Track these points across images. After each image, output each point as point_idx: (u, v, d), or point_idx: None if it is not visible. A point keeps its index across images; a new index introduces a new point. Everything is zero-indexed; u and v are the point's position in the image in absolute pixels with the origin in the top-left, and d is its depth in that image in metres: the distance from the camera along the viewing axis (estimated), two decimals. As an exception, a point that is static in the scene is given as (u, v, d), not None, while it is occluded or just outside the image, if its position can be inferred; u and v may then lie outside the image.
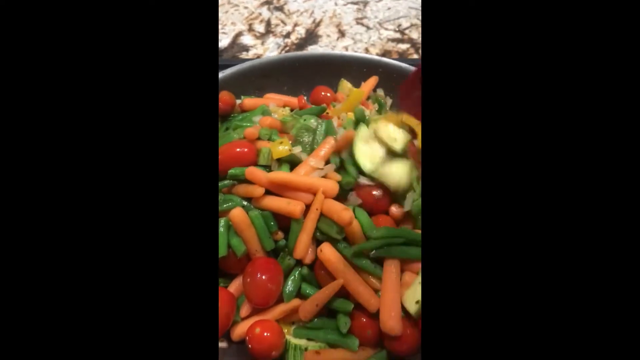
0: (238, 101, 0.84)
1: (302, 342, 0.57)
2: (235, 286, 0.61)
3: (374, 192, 0.62)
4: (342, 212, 0.56)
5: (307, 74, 0.92)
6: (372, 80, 0.89)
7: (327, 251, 0.56)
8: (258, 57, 1.24)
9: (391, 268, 0.57)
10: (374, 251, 0.57)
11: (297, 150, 0.65)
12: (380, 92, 0.90)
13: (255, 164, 0.64)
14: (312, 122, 0.70)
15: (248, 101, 0.84)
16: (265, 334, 0.55)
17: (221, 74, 0.86)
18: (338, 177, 0.62)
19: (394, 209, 0.62)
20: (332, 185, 0.60)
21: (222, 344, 0.58)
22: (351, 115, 0.74)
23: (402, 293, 0.56)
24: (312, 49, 1.27)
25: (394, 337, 0.54)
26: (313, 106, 0.83)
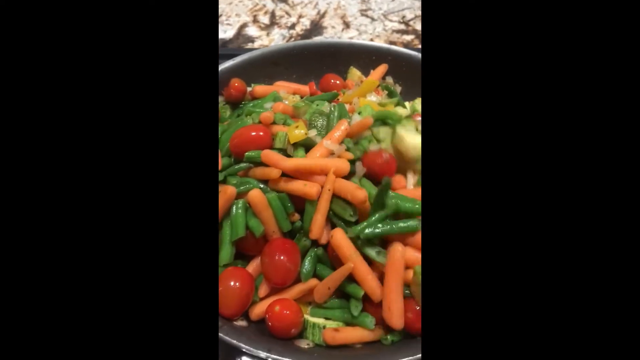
0: (249, 89, 0.85)
1: (320, 320, 0.58)
2: (253, 267, 0.62)
3: (382, 156, 0.63)
4: (356, 192, 0.57)
5: (316, 62, 0.93)
6: (382, 68, 0.90)
7: (338, 236, 0.57)
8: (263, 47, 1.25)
9: (394, 257, 0.56)
10: (377, 229, 0.57)
11: (313, 133, 0.66)
12: (390, 79, 0.91)
13: (271, 148, 0.65)
14: (326, 106, 0.71)
15: (259, 88, 0.84)
16: (285, 312, 0.56)
17: (231, 62, 0.86)
18: (350, 155, 0.63)
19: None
20: (342, 165, 0.61)
21: (241, 323, 0.59)
22: (364, 101, 0.75)
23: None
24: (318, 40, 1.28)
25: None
26: (324, 93, 0.84)
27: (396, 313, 0.55)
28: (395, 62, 0.90)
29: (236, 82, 0.81)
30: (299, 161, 0.61)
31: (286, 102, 0.78)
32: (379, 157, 0.63)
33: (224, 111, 0.82)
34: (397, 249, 0.56)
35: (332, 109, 0.69)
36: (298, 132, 0.65)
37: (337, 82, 0.89)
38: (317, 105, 0.73)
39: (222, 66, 0.85)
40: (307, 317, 0.59)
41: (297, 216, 0.62)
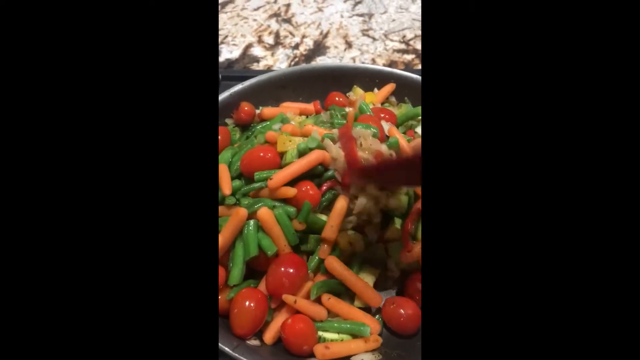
0: (257, 111, 0.88)
1: (334, 335, 0.60)
2: (264, 285, 0.65)
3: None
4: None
5: (321, 83, 0.97)
6: (389, 87, 0.94)
7: (331, 262, 0.64)
8: (268, 67, 1.29)
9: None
10: None
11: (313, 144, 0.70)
12: (392, 99, 0.95)
13: (279, 166, 0.69)
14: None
15: (267, 110, 0.88)
16: (298, 326, 0.58)
17: (241, 86, 0.90)
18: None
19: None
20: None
21: (255, 342, 0.61)
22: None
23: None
24: (321, 60, 1.32)
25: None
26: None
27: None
28: (397, 84, 0.94)
29: (246, 106, 0.85)
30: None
31: (293, 123, 0.81)
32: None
33: (234, 133, 0.85)
34: None
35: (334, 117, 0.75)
36: (305, 145, 0.68)
37: (341, 99, 0.93)
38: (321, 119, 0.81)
39: (232, 90, 0.89)
40: (321, 333, 0.61)
41: (301, 225, 0.65)
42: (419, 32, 1.41)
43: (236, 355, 0.54)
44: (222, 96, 0.87)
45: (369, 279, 0.66)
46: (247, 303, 0.59)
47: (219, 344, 0.55)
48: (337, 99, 0.93)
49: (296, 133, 0.76)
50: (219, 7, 1.56)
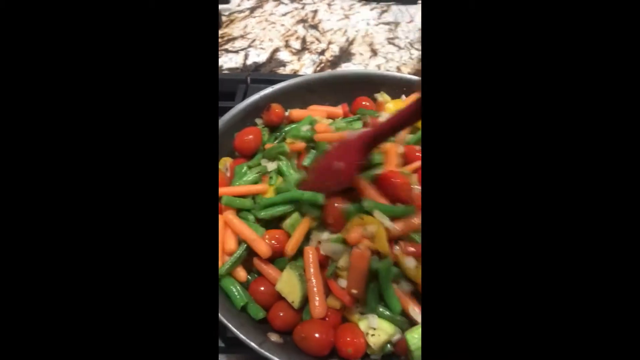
0: (286, 113, 0.90)
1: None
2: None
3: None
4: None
5: (348, 89, 0.98)
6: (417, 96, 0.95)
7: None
8: (294, 72, 1.31)
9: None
10: None
11: None
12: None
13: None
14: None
15: (295, 112, 0.90)
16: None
17: (271, 89, 0.92)
18: None
19: None
20: None
21: (277, 339, 0.62)
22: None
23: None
24: (346, 66, 1.34)
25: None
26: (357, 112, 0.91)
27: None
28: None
29: (276, 108, 0.87)
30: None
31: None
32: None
33: (264, 133, 0.87)
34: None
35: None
36: None
37: (368, 104, 0.94)
38: (352, 124, 0.82)
39: (262, 93, 0.91)
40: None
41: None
42: (445, 42, 1.41)
43: (262, 351, 0.55)
44: (252, 98, 0.90)
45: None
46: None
47: (245, 339, 0.56)
48: (364, 103, 0.94)
49: (328, 131, 0.79)
50: (249, 11, 1.60)
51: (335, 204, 0.65)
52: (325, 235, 0.65)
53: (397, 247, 0.62)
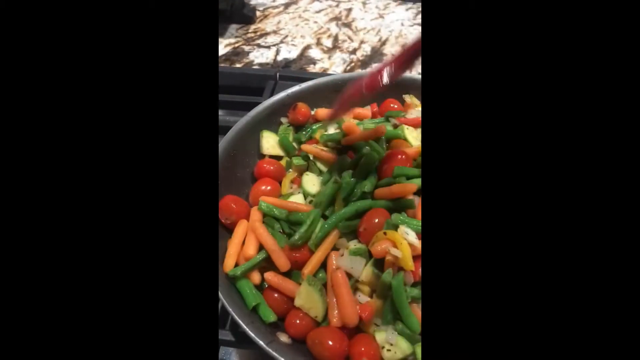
0: (312, 112, 0.90)
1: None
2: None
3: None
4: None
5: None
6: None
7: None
8: (324, 70, 1.31)
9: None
10: None
11: None
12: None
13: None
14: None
15: (321, 111, 0.89)
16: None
17: (298, 87, 0.92)
18: None
19: None
20: None
21: (285, 339, 0.62)
22: None
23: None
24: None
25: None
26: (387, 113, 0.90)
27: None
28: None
29: (302, 108, 0.87)
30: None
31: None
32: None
33: (288, 133, 0.87)
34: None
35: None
36: None
37: (396, 106, 0.93)
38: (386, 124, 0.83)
39: (289, 91, 0.91)
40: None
41: None
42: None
43: (269, 350, 0.56)
44: (278, 96, 0.90)
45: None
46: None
47: (254, 336, 0.57)
48: (392, 105, 0.92)
49: (355, 130, 0.79)
50: (283, 7, 1.60)
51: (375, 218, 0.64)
52: (352, 243, 0.65)
53: None
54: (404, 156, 0.73)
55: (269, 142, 0.85)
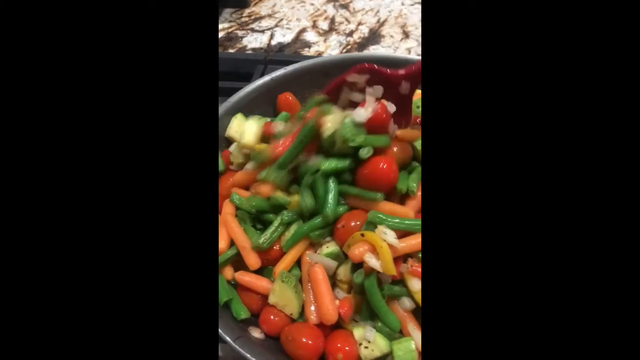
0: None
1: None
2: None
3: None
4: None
5: (368, 74, 0.91)
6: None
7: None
8: (319, 54, 1.25)
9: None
10: None
11: None
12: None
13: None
14: None
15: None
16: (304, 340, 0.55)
17: (283, 71, 0.87)
18: None
19: None
20: None
21: (258, 335, 0.59)
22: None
23: None
24: (374, 49, 1.26)
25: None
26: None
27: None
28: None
29: (288, 96, 0.83)
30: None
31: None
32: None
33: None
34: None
35: None
36: None
37: None
38: None
39: (273, 75, 0.87)
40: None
41: None
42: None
43: (236, 346, 0.53)
44: (261, 80, 0.86)
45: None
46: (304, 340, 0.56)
47: (221, 332, 0.54)
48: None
49: None
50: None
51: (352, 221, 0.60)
52: (326, 244, 0.61)
53: (405, 265, 0.57)
54: (385, 165, 0.61)
55: (239, 127, 0.78)
